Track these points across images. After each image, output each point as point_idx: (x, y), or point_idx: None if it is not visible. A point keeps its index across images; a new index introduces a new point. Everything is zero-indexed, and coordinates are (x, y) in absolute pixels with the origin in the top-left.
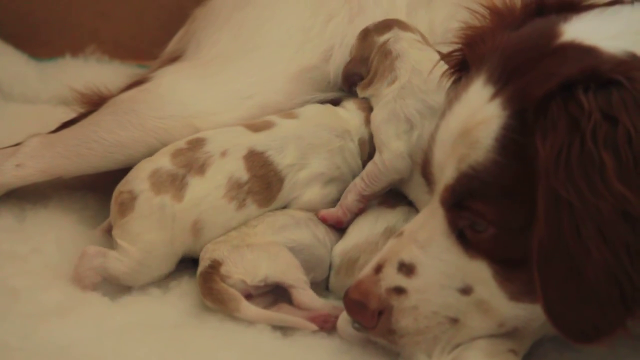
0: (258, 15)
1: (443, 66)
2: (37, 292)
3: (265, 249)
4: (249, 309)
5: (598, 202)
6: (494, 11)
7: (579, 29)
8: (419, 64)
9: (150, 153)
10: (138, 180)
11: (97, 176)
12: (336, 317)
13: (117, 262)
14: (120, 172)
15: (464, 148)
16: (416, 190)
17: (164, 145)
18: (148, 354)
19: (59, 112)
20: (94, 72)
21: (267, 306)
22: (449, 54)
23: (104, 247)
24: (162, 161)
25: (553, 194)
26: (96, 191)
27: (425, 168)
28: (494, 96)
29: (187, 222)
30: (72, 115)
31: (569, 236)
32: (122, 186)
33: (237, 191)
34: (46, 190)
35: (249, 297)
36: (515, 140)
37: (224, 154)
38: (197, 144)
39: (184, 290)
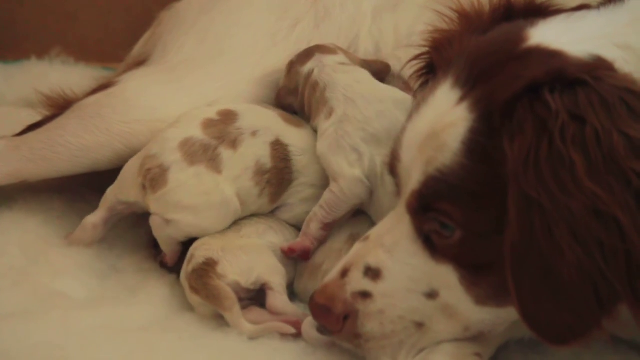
0: (224, 19)
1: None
2: (1, 294)
3: (258, 251)
4: (240, 315)
5: (569, 202)
6: (462, 15)
7: (545, 34)
8: (349, 90)
9: (116, 157)
10: (167, 152)
11: (63, 178)
12: None
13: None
14: (86, 175)
15: (431, 151)
16: (377, 210)
17: (130, 149)
18: (113, 357)
19: (25, 115)
20: (59, 74)
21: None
22: (417, 57)
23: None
24: (193, 130)
25: (523, 196)
26: (62, 193)
27: (392, 169)
28: (461, 100)
29: (232, 192)
30: (37, 118)
31: (541, 238)
32: (147, 163)
33: (261, 177)
34: (11, 192)
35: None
36: (482, 143)
37: (254, 134)
38: (228, 117)
39: (150, 293)
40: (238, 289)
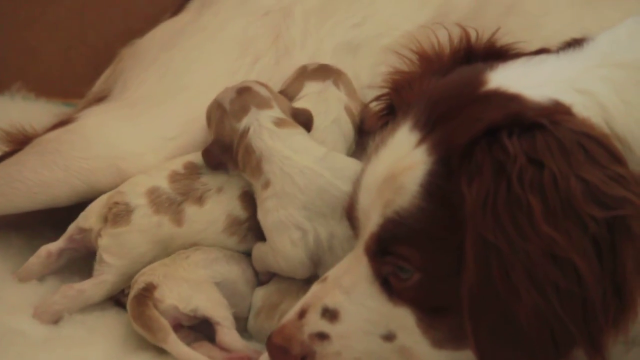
0: (185, 56)
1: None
2: None
3: (200, 284)
4: (176, 343)
5: (526, 246)
6: (422, 57)
7: (504, 77)
8: (286, 163)
9: (74, 194)
10: (134, 195)
11: (21, 215)
12: None
13: (96, 288)
14: (44, 212)
15: (390, 193)
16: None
17: (89, 186)
18: None
19: None
20: (20, 110)
21: (189, 343)
22: (377, 98)
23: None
24: (160, 181)
25: (481, 239)
26: (20, 230)
27: (350, 212)
28: (420, 142)
29: (187, 243)
30: None
31: (498, 281)
32: (116, 197)
33: (238, 227)
34: None
35: (178, 326)
36: (440, 186)
37: (219, 189)
38: (193, 170)
39: (107, 332)
40: (177, 314)
